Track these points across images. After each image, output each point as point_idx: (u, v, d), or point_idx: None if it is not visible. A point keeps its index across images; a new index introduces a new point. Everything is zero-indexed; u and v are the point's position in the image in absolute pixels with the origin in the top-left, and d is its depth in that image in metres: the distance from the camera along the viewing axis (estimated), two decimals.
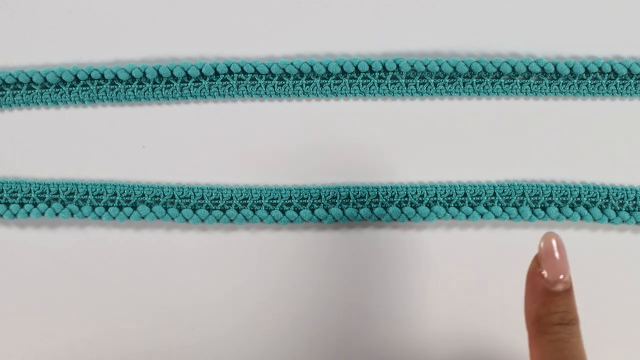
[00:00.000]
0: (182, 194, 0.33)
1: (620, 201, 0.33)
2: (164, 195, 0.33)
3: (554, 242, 0.27)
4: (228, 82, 0.34)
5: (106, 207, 0.33)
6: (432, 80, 0.34)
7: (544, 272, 0.27)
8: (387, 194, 0.33)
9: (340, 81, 0.34)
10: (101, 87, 0.34)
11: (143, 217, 0.33)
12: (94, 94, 0.34)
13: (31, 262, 0.33)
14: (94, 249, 0.33)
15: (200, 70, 0.33)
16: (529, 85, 0.34)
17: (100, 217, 0.33)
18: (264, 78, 0.34)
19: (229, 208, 0.33)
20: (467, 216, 0.33)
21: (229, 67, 0.33)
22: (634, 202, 0.33)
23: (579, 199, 0.33)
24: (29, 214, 0.33)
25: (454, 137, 0.34)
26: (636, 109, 0.34)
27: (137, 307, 0.33)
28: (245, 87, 0.34)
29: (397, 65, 0.33)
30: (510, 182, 0.33)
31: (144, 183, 0.33)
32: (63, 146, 0.34)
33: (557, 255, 0.27)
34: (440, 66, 0.33)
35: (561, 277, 0.27)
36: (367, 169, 0.34)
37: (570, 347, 0.26)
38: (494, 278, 0.33)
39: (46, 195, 0.33)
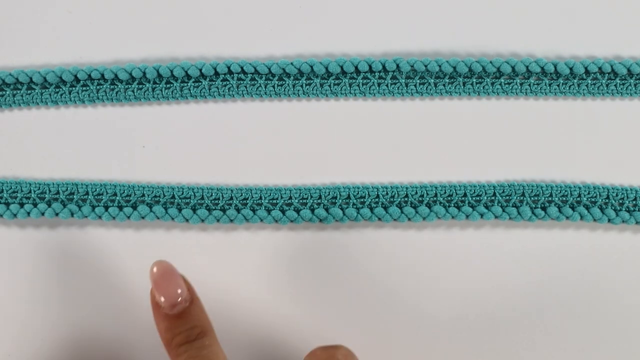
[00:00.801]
0: (182, 194, 0.33)
1: (620, 201, 0.33)
2: (164, 195, 0.33)
3: (155, 270, 0.27)
4: (228, 82, 0.34)
5: (106, 207, 0.33)
6: (432, 80, 0.34)
7: (161, 300, 0.27)
8: (387, 194, 0.33)
9: (340, 81, 0.34)
10: (101, 87, 0.34)
11: (143, 217, 0.33)
12: (94, 94, 0.34)
13: (31, 262, 0.33)
14: (94, 249, 0.33)
15: (200, 70, 0.33)
16: (529, 85, 0.34)
17: (100, 217, 0.33)
18: (264, 78, 0.34)
19: (229, 208, 0.33)
20: (467, 216, 0.33)
21: (229, 67, 0.33)
22: (634, 202, 0.33)
23: (579, 199, 0.33)
24: (29, 214, 0.33)
25: (454, 137, 0.34)
26: (636, 109, 0.34)
27: (137, 307, 0.33)
28: (245, 87, 0.34)
29: (397, 65, 0.33)
30: (510, 182, 0.33)
31: (144, 183, 0.33)
32: (63, 146, 0.34)
33: (167, 278, 0.27)
34: (440, 66, 0.33)
35: (179, 299, 0.27)
36: (367, 169, 0.34)
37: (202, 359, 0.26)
38: (494, 278, 0.33)
39: (46, 195, 0.33)
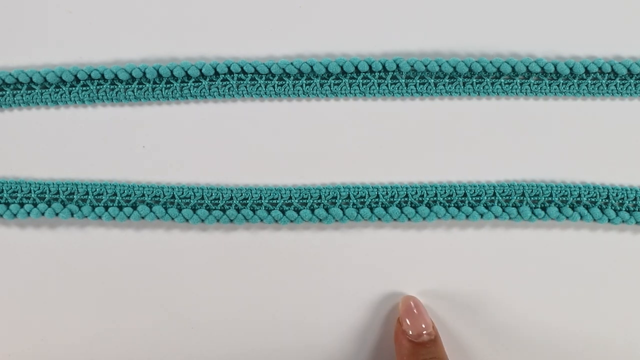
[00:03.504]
0: (182, 194, 0.33)
1: (620, 201, 0.33)
2: (164, 195, 0.33)
3: (411, 303, 0.31)
4: (228, 82, 0.34)
5: (106, 207, 0.33)
6: (432, 80, 0.34)
7: (408, 330, 0.31)
8: (387, 194, 0.33)
9: (340, 81, 0.34)
10: (101, 87, 0.34)
11: (143, 217, 0.33)
12: (94, 94, 0.34)
13: (31, 262, 0.33)
14: (94, 249, 0.33)
15: (200, 70, 0.33)
16: (529, 85, 0.34)
17: (100, 217, 0.33)
18: (264, 78, 0.34)
19: (229, 208, 0.33)
20: (467, 216, 0.33)
21: (229, 67, 0.33)
22: (634, 202, 0.33)
23: (579, 199, 0.33)
24: (29, 214, 0.33)
25: (454, 137, 0.34)
26: (636, 109, 0.34)
27: (137, 307, 0.33)
28: (245, 87, 0.34)
29: (397, 65, 0.33)
30: (510, 182, 0.33)
31: (144, 183, 0.33)
32: (63, 146, 0.34)
33: (416, 311, 0.31)
34: (440, 66, 0.33)
35: (424, 331, 0.30)
36: (367, 169, 0.34)
37: None
38: (494, 278, 0.33)
39: (46, 195, 0.33)
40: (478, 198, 0.33)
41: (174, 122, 0.34)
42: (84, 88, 0.34)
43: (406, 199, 0.33)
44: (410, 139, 0.34)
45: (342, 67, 0.33)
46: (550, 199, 0.33)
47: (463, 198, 0.33)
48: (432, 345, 0.30)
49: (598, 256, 0.33)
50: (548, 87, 0.34)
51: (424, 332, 0.30)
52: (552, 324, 0.33)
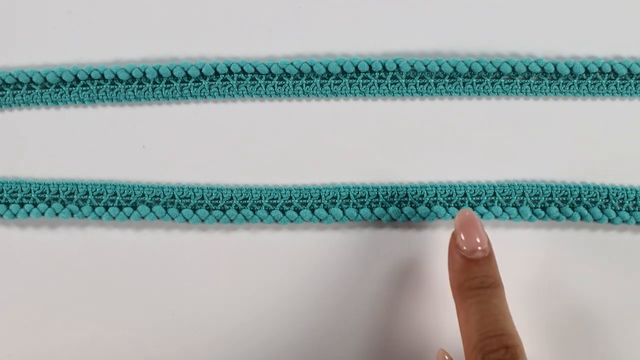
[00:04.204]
0: (182, 194, 0.33)
1: (620, 201, 0.33)
2: (164, 195, 0.33)
3: (463, 215, 0.29)
4: (228, 82, 0.34)
5: (106, 207, 0.33)
6: (432, 80, 0.34)
7: (462, 245, 0.28)
8: (387, 194, 0.33)
9: (340, 81, 0.34)
10: (101, 87, 0.34)
11: (143, 217, 0.33)
12: (94, 94, 0.34)
13: (31, 262, 0.33)
14: (94, 249, 0.33)
15: (200, 70, 0.33)
16: (529, 85, 0.34)
17: (100, 217, 0.33)
18: (264, 78, 0.34)
19: (229, 208, 0.33)
20: None
21: (229, 67, 0.33)
22: (634, 202, 0.33)
23: (579, 199, 0.33)
24: (29, 214, 0.33)
25: (454, 137, 0.34)
26: (636, 109, 0.34)
27: (137, 307, 0.33)
28: (245, 87, 0.34)
29: (397, 65, 0.33)
30: (510, 182, 0.33)
31: (144, 183, 0.33)
32: (63, 146, 0.34)
33: (471, 226, 0.28)
34: (440, 66, 0.33)
35: (479, 247, 0.28)
36: (367, 169, 0.34)
37: (490, 307, 0.27)
38: None
39: (46, 195, 0.33)
40: (478, 198, 0.33)
41: (174, 122, 0.34)
42: (84, 88, 0.34)
43: (406, 199, 0.33)
44: (411, 139, 0.34)
45: (342, 67, 0.33)
46: (550, 199, 0.33)
47: (463, 198, 0.33)
48: (485, 263, 0.28)
49: (598, 256, 0.33)
50: (548, 87, 0.34)
51: (479, 247, 0.28)
52: (551, 324, 0.33)
